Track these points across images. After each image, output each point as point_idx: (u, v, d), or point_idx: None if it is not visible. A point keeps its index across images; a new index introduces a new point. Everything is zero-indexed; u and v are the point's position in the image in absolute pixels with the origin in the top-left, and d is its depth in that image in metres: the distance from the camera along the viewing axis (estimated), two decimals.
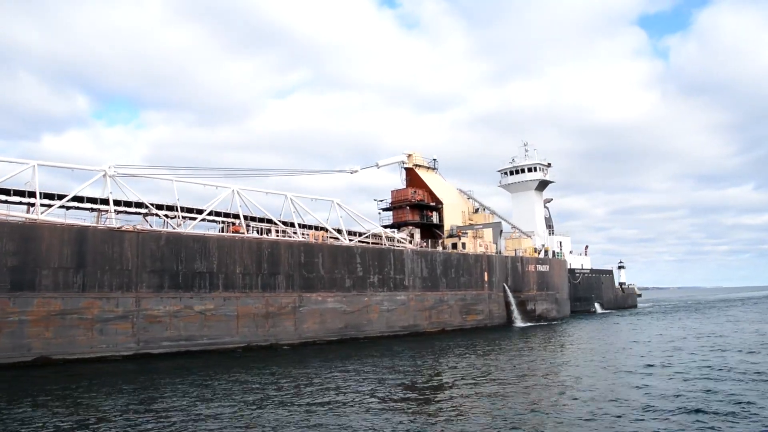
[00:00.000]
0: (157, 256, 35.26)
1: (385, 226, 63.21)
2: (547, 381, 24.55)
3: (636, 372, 26.19)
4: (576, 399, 20.41)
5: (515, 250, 63.62)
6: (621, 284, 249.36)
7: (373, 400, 20.84)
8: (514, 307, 58.43)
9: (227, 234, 39.19)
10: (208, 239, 37.41)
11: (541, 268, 64.53)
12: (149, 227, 41.53)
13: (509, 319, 58.30)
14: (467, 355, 34.62)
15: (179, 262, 35.98)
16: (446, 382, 24.65)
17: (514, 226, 66.51)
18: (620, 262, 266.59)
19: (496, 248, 61.00)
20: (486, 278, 56.39)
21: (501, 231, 61.24)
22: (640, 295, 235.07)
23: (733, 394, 20.49)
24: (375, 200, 65.11)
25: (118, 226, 35.69)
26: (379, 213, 64.41)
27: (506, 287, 58.45)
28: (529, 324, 58.95)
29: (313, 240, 43.31)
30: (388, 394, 22.06)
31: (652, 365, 28.09)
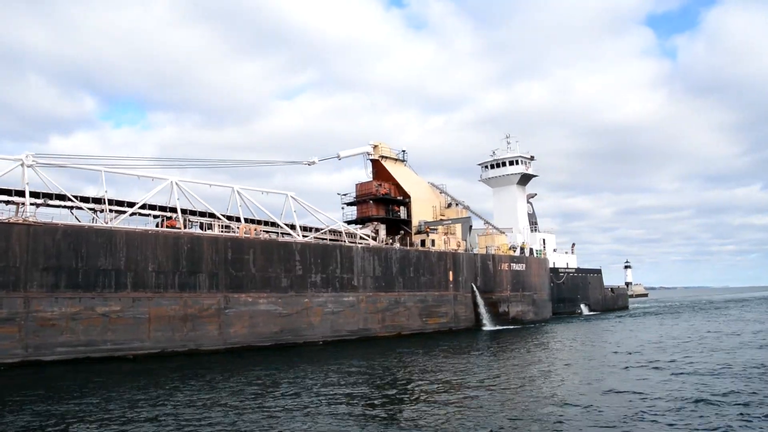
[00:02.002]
0: (53, 252, 31.33)
1: (349, 222, 59.25)
2: (494, 392, 20.50)
3: (595, 388, 21.92)
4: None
5: (486, 247, 59.27)
6: (627, 284, 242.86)
7: (290, 415, 17.58)
8: (482, 309, 54.11)
9: (138, 228, 35.24)
10: (115, 233, 33.45)
11: (516, 266, 60.15)
12: (76, 221, 38.01)
13: (478, 322, 54.03)
14: (411, 361, 30.46)
15: (79, 258, 32.03)
16: (372, 392, 20.54)
17: (486, 222, 62.16)
18: (626, 262, 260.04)
19: (466, 245, 56.71)
20: (451, 278, 52.12)
21: (470, 227, 56.93)
22: (646, 295, 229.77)
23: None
24: (338, 194, 61.11)
25: (6, 218, 31.84)
26: (343, 208, 60.42)
27: (474, 287, 54.14)
28: (500, 327, 54.64)
29: (243, 234, 39.24)
30: (309, 407, 18.37)
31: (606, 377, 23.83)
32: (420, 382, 24.34)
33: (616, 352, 34.11)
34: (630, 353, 33.23)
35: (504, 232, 62.01)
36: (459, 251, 54.75)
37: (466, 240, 56.61)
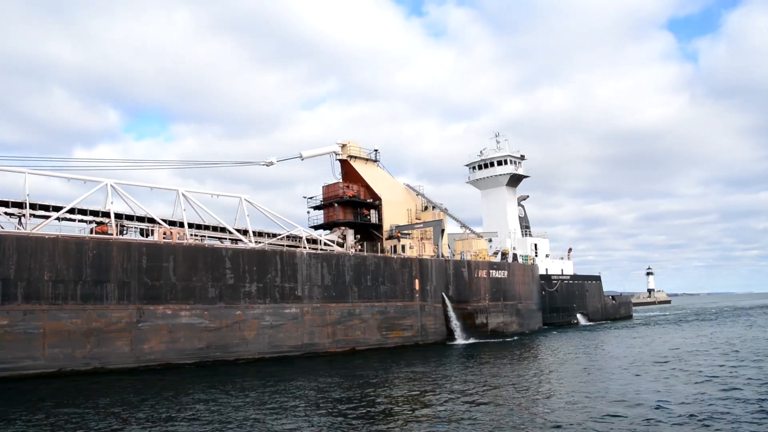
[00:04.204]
0: None
1: (316, 227, 55.18)
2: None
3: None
4: None
5: (461, 252, 54.54)
6: (650, 290, 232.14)
7: None
8: (454, 320, 49.36)
9: (33, 232, 31.56)
10: (3, 238, 29.77)
11: (496, 274, 55.27)
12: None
13: (450, 335, 49.28)
14: (346, 380, 25.99)
15: None
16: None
17: (463, 225, 57.37)
18: (648, 269, 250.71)
19: (438, 250, 52.07)
20: (417, 286, 47.53)
21: (443, 230, 52.24)
22: (669, 302, 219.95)
23: None
24: (305, 197, 56.99)
25: None
26: (308, 212, 56.24)
27: (445, 297, 49.43)
28: (475, 340, 49.83)
29: (163, 239, 35.32)
30: None
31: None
32: (346, 408, 19.92)
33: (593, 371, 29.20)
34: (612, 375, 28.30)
35: (482, 236, 57.20)
36: (427, 257, 50.13)
37: (437, 245, 51.95)
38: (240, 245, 39.40)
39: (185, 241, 36.05)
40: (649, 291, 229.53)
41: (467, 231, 57.38)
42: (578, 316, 73.57)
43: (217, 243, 38.72)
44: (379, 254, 47.03)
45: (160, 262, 33.98)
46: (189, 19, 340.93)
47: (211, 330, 35.35)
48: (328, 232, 54.19)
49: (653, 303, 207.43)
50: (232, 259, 36.82)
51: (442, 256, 52.47)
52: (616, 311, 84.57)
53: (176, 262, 34.49)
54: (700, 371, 28.23)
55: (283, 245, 44.61)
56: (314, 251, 42.04)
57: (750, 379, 25.30)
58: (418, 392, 24.37)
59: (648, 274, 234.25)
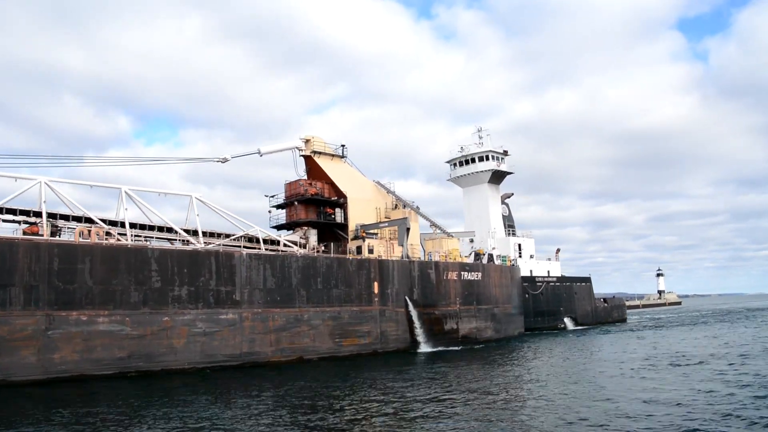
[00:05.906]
0: None
1: (278, 227, 52.36)
2: None
3: None
4: None
5: (429, 253, 51.34)
6: (660, 292, 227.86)
7: None
8: (418, 326, 46.16)
9: None
10: None
11: (468, 275, 51.96)
12: None
13: (414, 342, 46.10)
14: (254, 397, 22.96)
15: None
16: None
17: (433, 223, 54.11)
18: (659, 270, 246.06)
19: (403, 250, 48.92)
20: (376, 290, 44.42)
21: (408, 229, 49.05)
22: (680, 303, 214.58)
23: None
24: (266, 196, 54.13)
25: None
26: (270, 211, 53.36)
27: (408, 301, 46.25)
28: (442, 348, 46.62)
29: (79, 239, 32.61)
30: None
31: None
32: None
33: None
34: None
35: (452, 235, 53.95)
36: (395, 257, 47.01)
37: (402, 245, 48.79)
38: (167, 245, 36.62)
39: (104, 240, 33.24)
40: (660, 292, 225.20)
41: (436, 230, 54.13)
42: (566, 320, 69.89)
43: (141, 243, 35.88)
44: (332, 255, 44.01)
45: (75, 264, 31.23)
46: (199, 26, 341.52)
47: (134, 338, 32.53)
48: (290, 232, 51.40)
49: (663, 304, 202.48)
50: (159, 260, 33.99)
51: (408, 256, 49.32)
52: (608, 314, 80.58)
53: (93, 263, 31.72)
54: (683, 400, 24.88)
55: (232, 245, 41.86)
56: (255, 252, 39.12)
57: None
58: (359, 407, 21.30)
59: (658, 275, 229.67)
